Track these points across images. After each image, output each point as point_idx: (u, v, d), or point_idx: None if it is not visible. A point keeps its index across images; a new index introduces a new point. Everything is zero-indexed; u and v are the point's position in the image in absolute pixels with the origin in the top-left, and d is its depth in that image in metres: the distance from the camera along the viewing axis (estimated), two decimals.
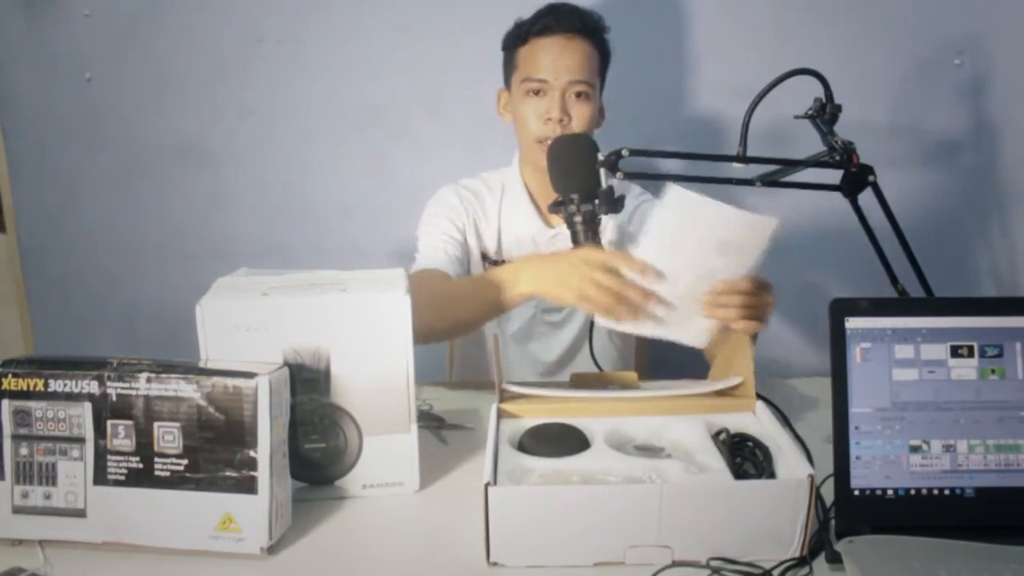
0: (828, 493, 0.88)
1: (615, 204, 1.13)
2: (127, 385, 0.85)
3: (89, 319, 1.92)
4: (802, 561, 0.83)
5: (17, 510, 0.88)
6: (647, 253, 1.02)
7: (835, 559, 0.82)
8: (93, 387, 0.86)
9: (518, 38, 1.37)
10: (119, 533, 0.87)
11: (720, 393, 1.05)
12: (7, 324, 1.94)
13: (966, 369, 0.88)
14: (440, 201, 1.47)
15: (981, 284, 1.83)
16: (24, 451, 0.87)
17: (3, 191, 1.86)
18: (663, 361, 1.67)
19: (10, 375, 0.86)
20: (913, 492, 0.87)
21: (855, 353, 0.89)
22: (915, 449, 0.88)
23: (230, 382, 0.85)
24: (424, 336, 1.27)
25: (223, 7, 1.75)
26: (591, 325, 1.31)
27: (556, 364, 1.50)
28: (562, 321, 1.49)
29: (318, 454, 0.96)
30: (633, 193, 1.50)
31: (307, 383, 0.94)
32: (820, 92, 1.13)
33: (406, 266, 1.07)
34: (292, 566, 0.86)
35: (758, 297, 1.04)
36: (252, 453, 0.85)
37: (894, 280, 1.15)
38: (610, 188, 1.14)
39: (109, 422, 0.86)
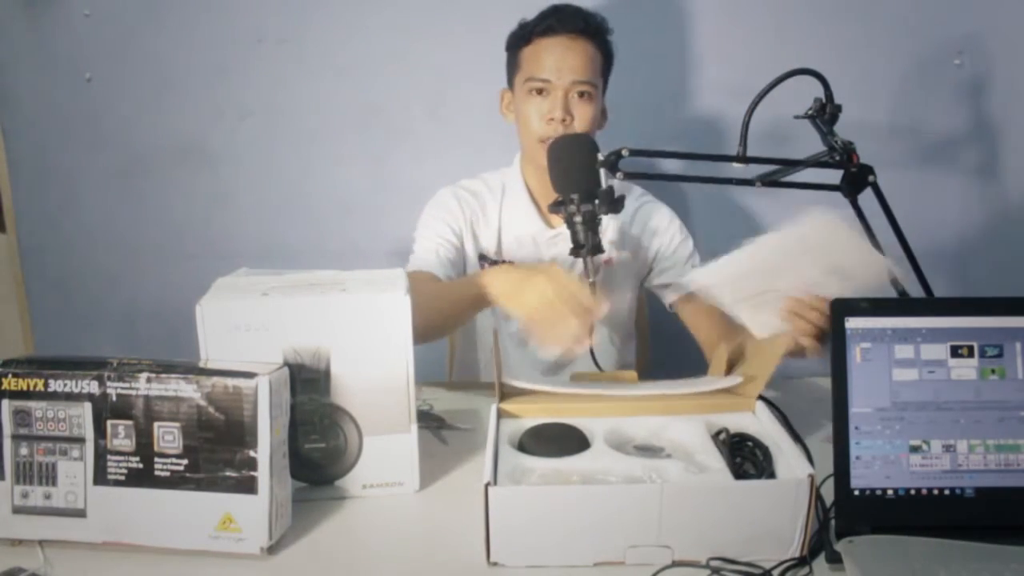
0: (828, 493, 0.88)
1: (615, 204, 1.13)
2: (127, 385, 0.85)
3: (89, 319, 1.92)
4: (802, 561, 0.83)
5: (17, 510, 0.88)
6: (752, 254, 1.04)
7: (835, 559, 0.82)
8: (93, 387, 0.86)
9: (522, 38, 1.37)
10: (119, 533, 0.87)
11: (720, 392, 1.05)
12: (7, 324, 1.94)
13: (966, 369, 0.88)
14: (437, 204, 1.47)
15: (981, 284, 1.83)
16: (24, 451, 0.87)
17: (3, 191, 1.86)
18: (664, 361, 1.67)
19: (10, 375, 0.86)
20: (913, 492, 0.87)
21: (855, 353, 0.89)
22: (915, 449, 0.88)
23: (230, 382, 0.85)
24: (425, 333, 1.28)
25: (223, 7, 1.75)
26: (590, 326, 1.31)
27: (556, 364, 1.50)
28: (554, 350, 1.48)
29: (318, 454, 0.96)
30: (634, 195, 1.50)
31: (307, 383, 0.94)
32: (820, 92, 1.13)
33: (406, 266, 1.07)
34: (292, 566, 0.86)
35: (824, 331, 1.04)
36: (252, 453, 0.85)
37: (894, 280, 1.15)
38: (610, 188, 1.14)
39: (109, 422, 0.86)
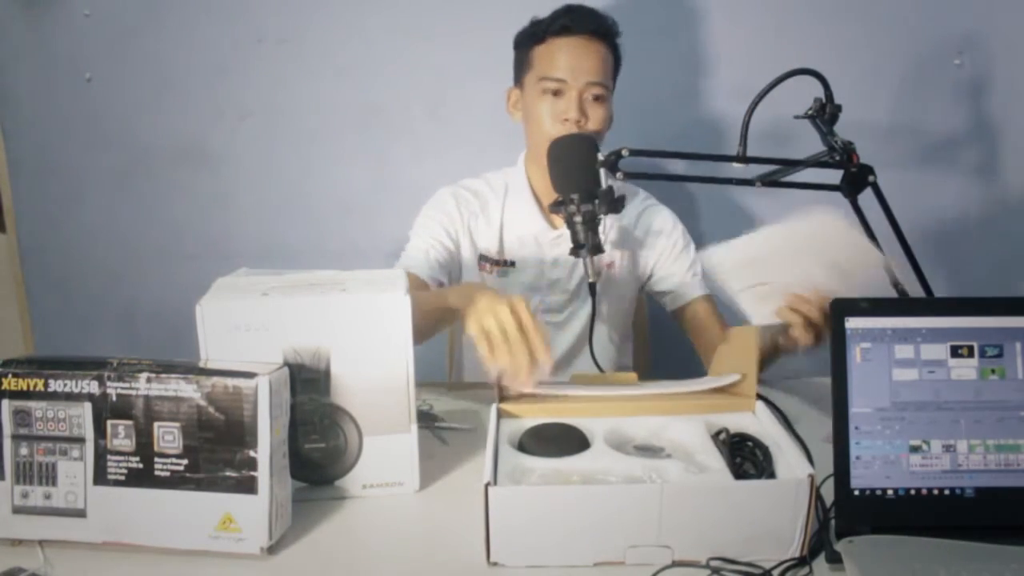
0: (828, 493, 0.88)
1: (615, 204, 1.14)
2: (127, 385, 0.85)
3: (89, 319, 1.92)
4: (802, 561, 0.83)
5: (17, 510, 0.88)
6: (766, 240, 1.06)
7: (835, 559, 0.82)
8: (93, 387, 0.86)
9: (535, 37, 1.37)
10: (119, 533, 0.87)
11: (720, 392, 1.05)
12: (7, 324, 1.94)
13: (966, 369, 0.88)
14: (434, 204, 1.46)
15: (981, 284, 1.83)
16: (24, 451, 0.87)
17: (3, 191, 1.87)
18: (664, 362, 1.67)
19: (10, 375, 0.86)
20: (913, 492, 0.87)
21: (855, 353, 0.89)
22: (915, 449, 0.88)
23: (230, 382, 0.85)
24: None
25: (223, 7, 1.75)
26: (591, 326, 1.31)
27: (557, 365, 1.50)
28: (563, 322, 1.49)
29: (318, 454, 0.96)
30: (639, 198, 1.50)
31: (307, 383, 0.94)
32: (820, 92, 1.13)
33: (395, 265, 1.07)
34: (292, 566, 0.86)
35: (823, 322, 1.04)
36: (252, 453, 0.85)
37: (894, 280, 1.15)
38: (610, 188, 1.14)
39: (109, 422, 0.86)
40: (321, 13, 1.74)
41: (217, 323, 0.91)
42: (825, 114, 1.13)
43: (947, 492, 0.87)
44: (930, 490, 0.87)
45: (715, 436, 0.95)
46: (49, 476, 0.87)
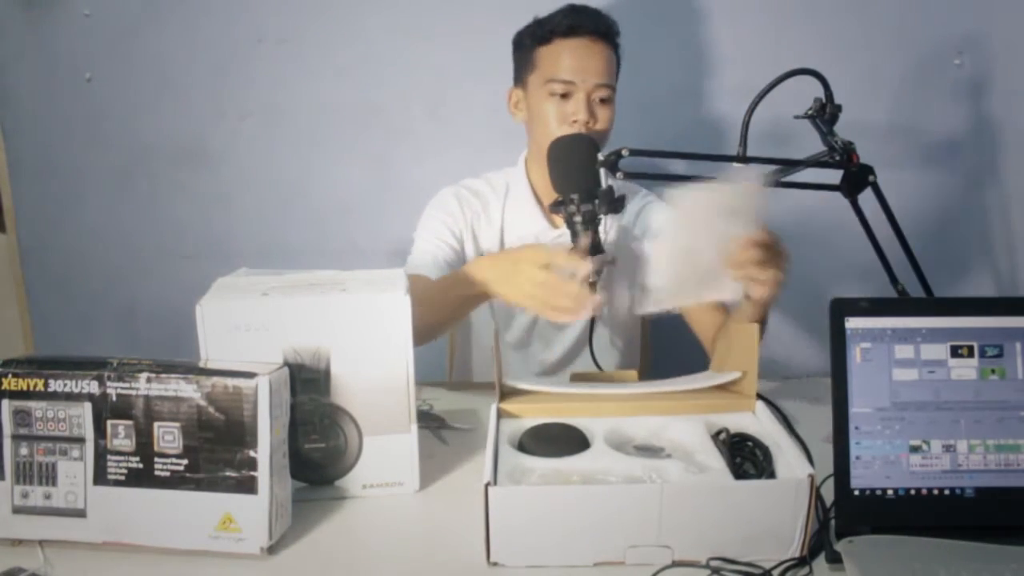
0: (828, 493, 0.88)
1: (615, 204, 1.13)
2: (127, 385, 0.85)
3: (89, 319, 1.92)
4: (802, 561, 0.83)
5: (17, 510, 0.88)
6: (667, 246, 1.08)
7: (835, 559, 0.82)
8: (93, 387, 0.86)
9: (540, 38, 1.36)
10: (119, 533, 0.87)
11: (720, 392, 1.04)
12: (7, 324, 1.94)
13: (966, 369, 0.88)
14: (438, 204, 1.46)
15: (981, 284, 1.83)
16: (24, 451, 0.87)
17: (3, 191, 1.87)
18: (666, 362, 1.67)
19: (10, 375, 0.86)
20: (913, 492, 0.87)
21: (855, 353, 0.89)
22: (915, 449, 0.88)
23: (230, 382, 0.85)
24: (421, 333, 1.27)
25: (223, 7, 1.75)
26: (591, 325, 1.31)
27: (558, 364, 1.50)
28: (563, 323, 1.48)
29: (318, 454, 0.96)
30: (639, 195, 1.50)
31: (307, 383, 0.94)
32: (820, 92, 1.13)
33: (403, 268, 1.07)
34: (292, 566, 0.86)
35: (772, 246, 1.07)
36: (252, 453, 0.85)
37: (894, 280, 1.15)
38: (610, 188, 1.14)
39: (109, 422, 0.86)
40: (321, 13, 1.74)
41: (217, 323, 0.91)
42: (825, 114, 1.13)
43: (947, 492, 0.87)
44: (930, 490, 0.87)
45: (715, 436, 0.95)
46: (49, 476, 0.87)
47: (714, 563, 0.82)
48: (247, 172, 1.83)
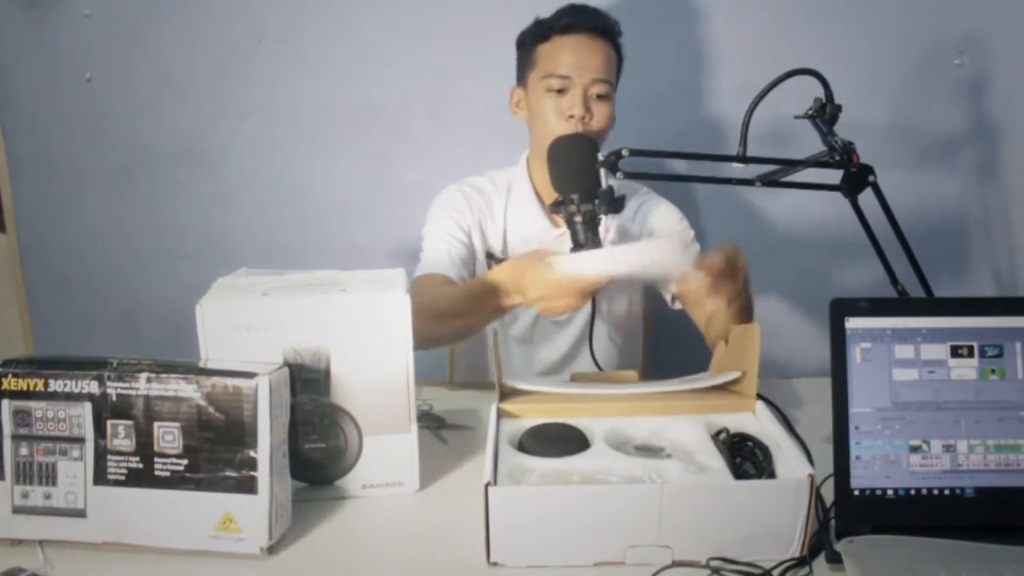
0: (828, 493, 0.88)
1: (615, 204, 1.14)
2: (127, 385, 0.85)
3: (89, 319, 1.92)
4: (802, 561, 0.83)
5: (17, 510, 0.88)
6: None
7: (835, 559, 0.82)
8: (93, 387, 0.86)
9: (539, 36, 1.37)
10: (119, 533, 0.87)
11: (720, 392, 1.04)
12: (7, 324, 1.94)
13: (966, 369, 0.88)
14: (444, 202, 1.47)
15: (981, 284, 1.83)
16: (24, 451, 0.87)
17: (3, 191, 1.87)
18: (667, 362, 1.67)
19: (10, 375, 0.86)
20: (913, 492, 0.87)
21: (855, 353, 0.89)
22: (915, 449, 0.88)
23: (230, 382, 0.85)
24: (426, 343, 1.27)
25: (223, 7, 1.75)
26: (591, 325, 1.31)
27: (559, 363, 1.50)
28: (565, 320, 1.49)
29: (318, 454, 0.96)
30: (639, 193, 1.50)
31: (307, 383, 0.94)
32: (820, 92, 1.13)
33: (406, 266, 1.07)
34: (292, 566, 0.86)
35: (724, 269, 1.10)
36: (252, 453, 0.85)
37: (894, 280, 1.15)
38: (610, 188, 1.14)
39: (109, 422, 0.86)
40: (321, 13, 1.74)
41: (217, 323, 0.91)
42: (825, 114, 1.13)
43: (947, 492, 0.87)
44: (930, 490, 0.87)
45: (715, 436, 0.95)
46: (49, 476, 0.87)
47: (714, 563, 0.82)
48: (247, 172, 1.83)
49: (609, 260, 1.08)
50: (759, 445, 0.94)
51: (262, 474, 0.85)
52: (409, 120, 1.79)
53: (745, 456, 0.93)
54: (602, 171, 1.13)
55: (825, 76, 1.11)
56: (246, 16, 1.75)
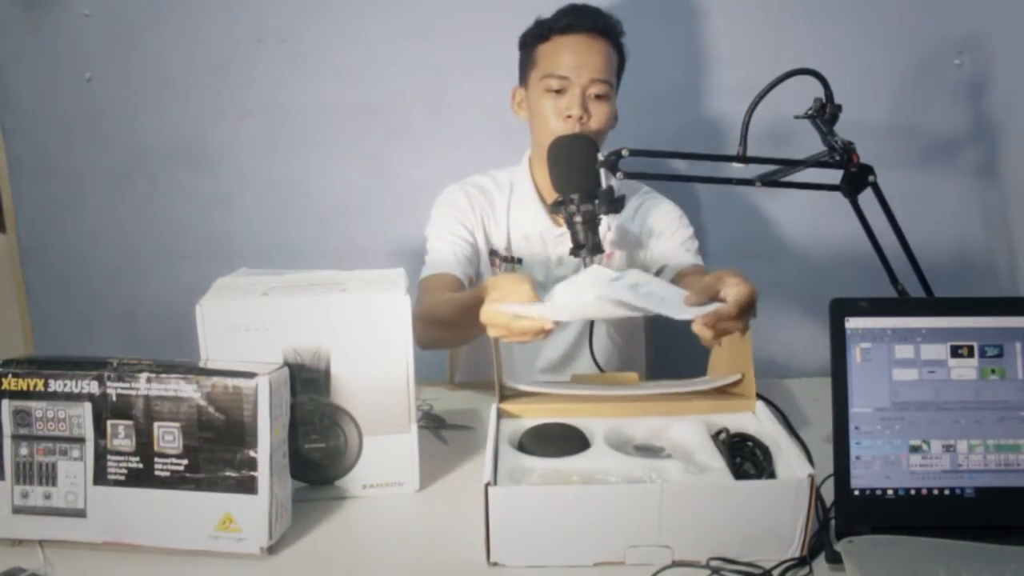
0: (828, 493, 0.88)
1: (615, 204, 1.14)
2: (127, 385, 0.85)
3: (89, 319, 1.92)
4: (802, 561, 0.83)
5: (17, 510, 0.88)
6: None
7: (835, 559, 0.82)
8: (93, 387, 0.86)
9: (539, 36, 1.37)
10: (119, 533, 0.87)
11: (720, 392, 1.04)
12: (7, 324, 1.94)
13: (966, 369, 0.88)
14: (447, 201, 1.47)
15: (981, 284, 1.83)
16: (24, 451, 0.87)
17: (3, 191, 1.86)
18: (667, 361, 1.67)
19: (10, 375, 0.86)
20: (913, 492, 0.87)
21: (855, 353, 0.89)
22: (915, 449, 0.88)
23: (230, 382, 0.85)
24: (430, 346, 1.27)
25: (223, 7, 1.75)
26: (591, 325, 1.31)
27: (559, 363, 1.50)
28: (565, 320, 1.48)
29: (318, 454, 0.96)
30: (639, 192, 1.50)
31: (307, 383, 0.94)
32: (820, 92, 1.13)
33: (406, 266, 1.07)
34: (292, 566, 0.86)
35: (734, 320, 0.96)
36: (252, 453, 0.85)
37: (894, 280, 1.15)
38: (610, 188, 1.14)
39: (109, 422, 0.86)
40: (321, 13, 1.74)
41: (217, 323, 0.91)
42: (825, 114, 1.13)
43: (947, 492, 0.87)
44: (930, 490, 0.87)
45: (715, 436, 0.95)
46: (49, 476, 0.87)
47: (714, 563, 0.82)
48: (247, 172, 1.83)
49: (553, 312, 0.96)
50: (759, 445, 0.94)
51: (262, 474, 0.85)
52: (409, 120, 1.79)
53: (745, 456, 0.93)
54: (602, 171, 1.13)
55: (825, 76, 1.11)
56: (246, 16, 1.75)
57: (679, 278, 1.42)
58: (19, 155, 1.84)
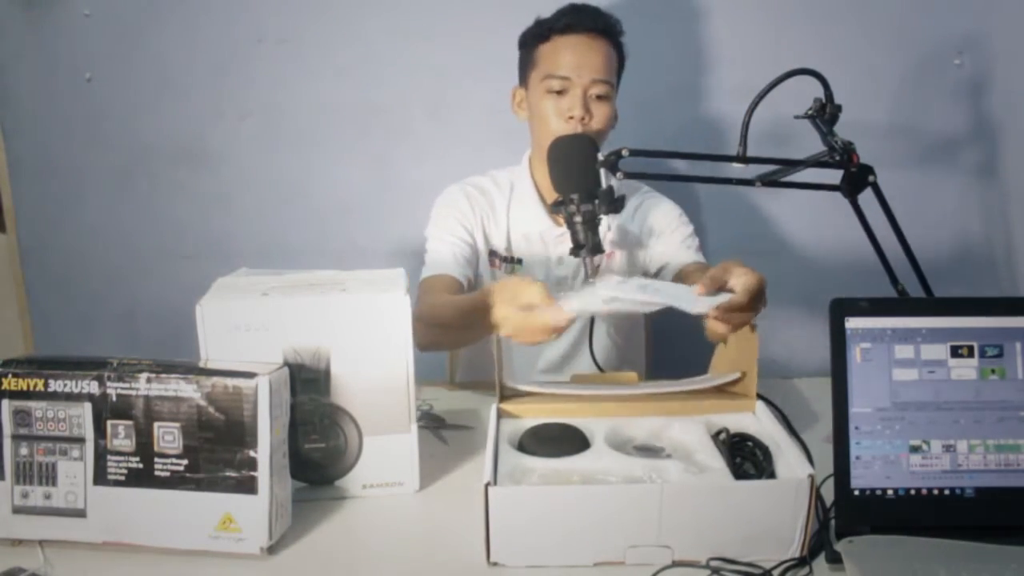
0: (828, 493, 0.88)
1: (615, 204, 1.13)
2: (127, 385, 0.85)
3: (89, 319, 1.92)
4: (802, 561, 0.83)
5: (17, 510, 0.88)
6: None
7: (835, 559, 0.82)
8: (93, 387, 0.86)
9: (540, 36, 1.37)
10: (119, 533, 0.87)
11: (720, 392, 1.04)
12: (7, 324, 1.94)
13: (966, 369, 0.88)
14: (447, 202, 1.47)
15: (981, 284, 1.83)
16: (24, 451, 0.87)
17: (3, 191, 1.86)
18: (667, 361, 1.67)
19: (10, 375, 0.86)
20: (913, 492, 0.87)
21: (855, 353, 0.89)
22: (915, 449, 0.88)
23: (230, 382, 0.85)
24: (430, 347, 1.27)
25: (223, 7, 1.75)
26: (591, 325, 1.31)
27: (559, 363, 1.50)
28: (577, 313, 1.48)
29: (318, 454, 0.96)
30: (639, 192, 1.50)
31: (307, 383, 0.94)
32: (820, 92, 1.13)
33: (406, 266, 1.07)
34: (292, 566, 0.86)
35: (745, 310, 0.98)
36: (252, 453, 0.85)
37: (894, 280, 1.15)
38: (610, 188, 1.14)
39: (109, 422, 0.86)
40: (321, 13, 1.74)
41: (217, 323, 0.91)
42: (825, 114, 1.13)
43: (947, 492, 0.87)
44: (930, 490, 0.87)
45: (715, 436, 0.95)
46: (49, 476, 0.87)
47: (714, 563, 0.82)
48: (247, 172, 1.83)
49: (566, 305, 0.98)
50: (759, 445, 0.94)
51: (262, 474, 0.85)
52: (409, 120, 1.79)
53: (745, 456, 0.93)
54: (602, 171, 1.13)
55: (825, 76, 1.11)
56: (246, 16, 1.75)
57: (681, 276, 1.42)
58: (19, 155, 1.84)
